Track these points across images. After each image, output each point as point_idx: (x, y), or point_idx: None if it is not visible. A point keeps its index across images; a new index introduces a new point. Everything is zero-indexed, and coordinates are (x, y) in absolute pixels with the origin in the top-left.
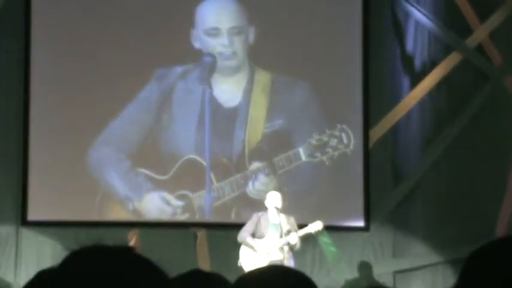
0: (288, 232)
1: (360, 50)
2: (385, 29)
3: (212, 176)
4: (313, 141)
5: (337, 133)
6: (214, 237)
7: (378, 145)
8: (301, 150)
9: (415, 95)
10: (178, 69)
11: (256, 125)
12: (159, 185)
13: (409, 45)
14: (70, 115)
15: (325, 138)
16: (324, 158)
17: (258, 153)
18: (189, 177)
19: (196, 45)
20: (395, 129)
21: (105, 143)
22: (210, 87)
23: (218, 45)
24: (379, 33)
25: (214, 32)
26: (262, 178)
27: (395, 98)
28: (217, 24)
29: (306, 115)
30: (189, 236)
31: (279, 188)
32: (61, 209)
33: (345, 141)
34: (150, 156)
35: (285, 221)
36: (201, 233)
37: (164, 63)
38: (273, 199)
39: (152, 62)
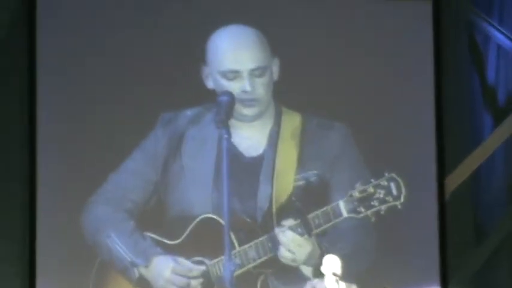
0: None
1: (430, 81)
2: (460, 56)
3: (233, 238)
4: (356, 194)
5: (384, 183)
6: None
7: (455, 196)
8: (341, 204)
9: (499, 135)
10: (188, 113)
11: (285, 177)
12: (169, 251)
13: (491, 75)
14: (66, 172)
15: (371, 190)
16: (369, 212)
17: (288, 210)
18: (205, 241)
19: (210, 85)
20: (476, 177)
21: (105, 201)
22: (228, 132)
23: (237, 90)
24: (454, 61)
25: (232, 76)
26: (295, 239)
27: (476, 139)
28: (235, 65)
29: (346, 163)
30: None
31: (320, 250)
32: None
33: (395, 192)
34: (158, 216)
35: None
36: None
37: (171, 106)
38: (330, 264)
39: (157, 105)
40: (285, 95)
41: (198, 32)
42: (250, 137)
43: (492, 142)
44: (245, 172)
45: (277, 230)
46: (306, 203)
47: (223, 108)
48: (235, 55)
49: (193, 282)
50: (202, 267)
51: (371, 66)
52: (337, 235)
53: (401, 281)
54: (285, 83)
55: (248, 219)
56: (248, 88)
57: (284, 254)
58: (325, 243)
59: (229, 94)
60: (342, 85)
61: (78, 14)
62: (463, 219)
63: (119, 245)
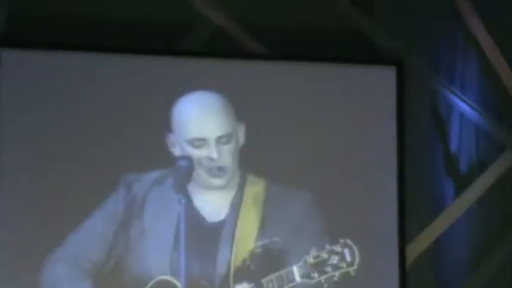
0: None
1: (393, 148)
2: (423, 123)
3: None
4: (310, 259)
5: (339, 249)
6: None
7: (415, 266)
8: (295, 269)
9: (460, 204)
10: (152, 175)
11: (245, 242)
12: None
13: (454, 143)
14: (26, 230)
15: (325, 255)
16: (322, 279)
17: (244, 274)
18: None
19: (176, 152)
20: (436, 246)
21: (63, 260)
22: (186, 197)
23: (204, 157)
24: (417, 128)
25: (198, 143)
26: None
27: (438, 207)
28: (201, 133)
29: (306, 230)
30: None
31: None
32: None
33: (348, 259)
34: (116, 277)
35: None
36: None
37: (134, 167)
38: None
39: (120, 166)
40: (249, 160)
41: (164, 96)
42: (213, 202)
43: (454, 211)
44: (206, 237)
45: None
46: (262, 266)
47: (182, 173)
48: (201, 123)
49: None
50: None
51: (335, 131)
52: None
53: None
54: (250, 148)
55: (205, 283)
56: (215, 155)
57: None
58: None
59: (188, 159)
60: (307, 151)
61: (40, 71)
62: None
63: None
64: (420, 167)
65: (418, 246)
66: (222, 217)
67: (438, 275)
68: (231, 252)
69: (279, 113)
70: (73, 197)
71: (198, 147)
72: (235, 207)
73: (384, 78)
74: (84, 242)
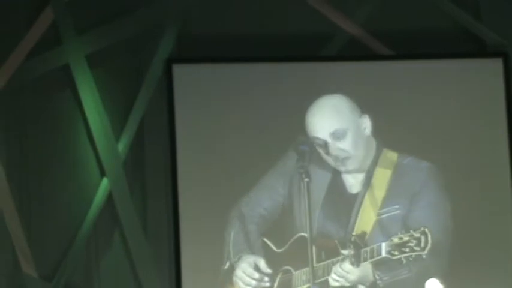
0: None
1: (503, 131)
2: None
3: (314, 256)
4: (396, 239)
5: (417, 235)
6: None
7: None
8: (383, 246)
9: None
10: (317, 141)
11: (369, 212)
12: (273, 257)
13: None
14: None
15: (406, 238)
16: (402, 257)
17: (357, 241)
18: (296, 254)
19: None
20: None
21: (242, 208)
22: (308, 175)
23: (325, 154)
24: None
25: (318, 142)
26: (345, 267)
27: None
28: (317, 134)
29: (424, 200)
30: None
31: (373, 277)
32: None
33: (422, 244)
34: (277, 226)
35: None
36: None
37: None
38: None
39: (294, 131)
40: (383, 138)
41: (305, 96)
42: (355, 176)
43: None
44: (346, 205)
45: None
46: (381, 235)
47: (305, 156)
48: (313, 125)
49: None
50: (266, 278)
51: (453, 116)
52: (388, 267)
53: None
54: (380, 130)
55: (336, 242)
56: (333, 153)
57: (333, 276)
58: (378, 272)
59: (310, 144)
60: (431, 132)
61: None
62: None
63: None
64: None
65: None
66: (359, 189)
67: None
68: (356, 220)
69: (401, 103)
70: (250, 161)
71: (318, 145)
72: (368, 180)
73: (491, 69)
74: (259, 194)
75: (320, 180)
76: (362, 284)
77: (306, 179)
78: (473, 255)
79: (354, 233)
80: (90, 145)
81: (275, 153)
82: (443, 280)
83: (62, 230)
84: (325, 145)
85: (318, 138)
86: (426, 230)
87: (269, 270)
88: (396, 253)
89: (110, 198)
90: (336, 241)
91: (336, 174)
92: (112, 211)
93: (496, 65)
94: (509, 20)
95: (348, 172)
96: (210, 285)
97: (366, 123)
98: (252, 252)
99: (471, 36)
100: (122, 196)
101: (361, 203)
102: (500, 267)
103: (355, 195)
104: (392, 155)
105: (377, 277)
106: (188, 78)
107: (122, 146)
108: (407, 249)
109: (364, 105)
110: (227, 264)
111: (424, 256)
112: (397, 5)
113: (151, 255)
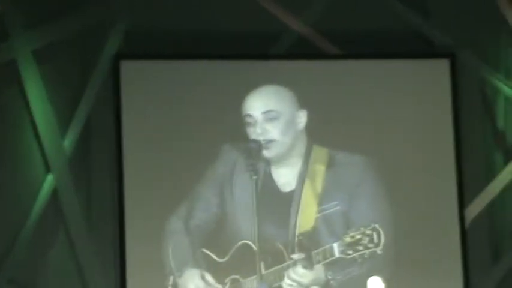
0: None
1: (449, 127)
2: (475, 106)
3: (262, 263)
4: (347, 238)
5: (369, 232)
6: None
7: (474, 224)
8: (335, 246)
9: (509, 170)
10: (237, 152)
11: (309, 209)
12: (216, 268)
13: (500, 122)
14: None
15: (358, 236)
16: (356, 255)
17: (304, 243)
18: (241, 262)
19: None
20: (491, 207)
21: (177, 218)
22: (256, 174)
23: (254, 133)
24: (469, 110)
25: (249, 120)
26: (299, 270)
27: (490, 175)
28: (249, 110)
29: (364, 192)
30: None
31: (325, 277)
32: None
33: (375, 240)
34: (213, 235)
35: None
36: None
37: (225, 142)
38: (374, 285)
39: (213, 145)
40: (315, 134)
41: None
42: (285, 174)
43: (504, 177)
44: (280, 205)
45: (290, 262)
46: (327, 233)
47: (252, 154)
48: (250, 101)
49: None
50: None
51: (397, 112)
52: (340, 266)
53: None
54: (314, 126)
55: (281, 246)
56: (259, 131)
57: (287, 281)
58: (329, 272)
59: (257, 142)
60: (369, 129)
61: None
62: (481, 243)
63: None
64: (474, 141)
65: (475, 209)
66: (293, 187)
67: (493, 231)
68: (296, 219)
69: (343, 100)
70: (185, 165)
71: (249, 123)
72: (302, 177)
73: (439, 69)
74: (193, 203)
75: (249, 185)
76: (316, 285)
77: (255, 177)
78: (417, 246)
79: (297, 234)
80: (35, 141)
81: (216, 150)
82: (390, 273)
83: (6, 225)
84: (254, 123)
85: (249, 116)
86: (377, 226)
87: (218, 285)
88: (350, 252)
89: (54, 195)
90: (279, 244)
91: (265, 176)
92: (57, 208)
93: (443, 66)
94: (457, 21)
95: (272, 162)
96: (155, 283)
97: (302, 117)
98: (194, 264)
99: (420, 37)
100: (66, 193)
101: (299, 200)
102: (444, 258)
103: (290, 194)
104: (323, 151)
105: (329, 277)
106: (135, 74)
107: (67, 143)
108: (360, 247)
109: (304, 101)
110: (171, 280)
111: (379, 252)
112: (346, 5)
113: (96, 253)
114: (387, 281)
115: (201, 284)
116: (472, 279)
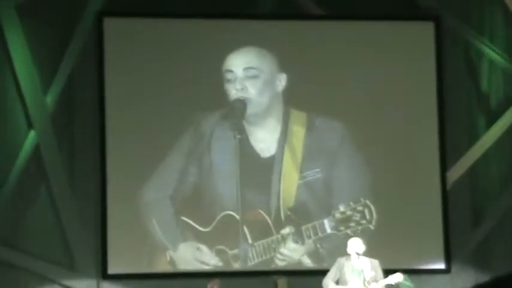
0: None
1: (433, 89)
2: (459, 69)
3: (247, 234)
4: (338, 215)
5: (360, 208)
6: (295, 285)
7: (455, 186)
8: (326, 222)
9: (492, 134)
10: (217, 114)
11: (291, 175)
12: (199, 237)
13: (484, 85)
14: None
15: (349, 212)
16: (348, 231)
17: (292, 217)
18: (226, 232)
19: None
20: (473, 170)
21: (154, 188)
22: (241, 132)
23: (233, 90)
24: (453, 73)
25: (229, 76)
26: (291, 245)
27: (472, 138)
28: (230, 66)
29: (344, 160)
30: (269, 285)
31: (308, 255)
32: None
33: (368, 217)
34: (193, 204)
35: (368, 266)
36: (281, 281)
37: (204, 108)
38: (354, 245)
39: (193, 108)
40: (293, 98)
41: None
42: (263, 140)
43: (486, 140)
44: (260, 171)
45: (280, 235)
46: (310, 201)
47: (236, 112)
48: (231, 59)
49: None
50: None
51: (380, 74)
52: (331, 240)
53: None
54: (292, 90)
55: (265, 215)
56: (238, 87)
57: (279, 256)
58: (322, 244)
59: (242, 101)
60: (350, 90)
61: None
62: (463, 205)
63: (158, 229)
64: (457, 104)
65: (457, 171)
66: (272, 153)
67: (475, 193)
68: (280, 187)
69: (324, 63)
70: (159, 134)
71: (228, 80)
72: (281, 142)
73: (423, 32)
74: (166, 173)
75: (227, 152)
76: (306, 255)
77: (239, 136)
78: (398, 208)
79: (282, 204)
80: (18, 97)
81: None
82: (369, 234)
83: None
84: (234, 80)
85: (230, 71)
86: (367, 201)
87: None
88: (342, 228)
89: (37, 151)
90: (261, 211)
91: (243, 142)
92: (39, 164)
93: (428, 28)
94: None
95: (249, 121)
96: (135, 242)
97: (282, 80)
98: (185, 237)
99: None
100: (49, 149)
101: (280, 167)
102: (426, 219)
103: (270, 160)
104: (301, 115)
105: (318, 245)
106: (118, 31)
107: (50, 99)
108: (353, 224)
109: (285, 64)
110: (168, 256)
111: (372, 227)
112: None
113: (77, 210)
114: (368, 242)
115: (197, 254)
116: (452, 240)
